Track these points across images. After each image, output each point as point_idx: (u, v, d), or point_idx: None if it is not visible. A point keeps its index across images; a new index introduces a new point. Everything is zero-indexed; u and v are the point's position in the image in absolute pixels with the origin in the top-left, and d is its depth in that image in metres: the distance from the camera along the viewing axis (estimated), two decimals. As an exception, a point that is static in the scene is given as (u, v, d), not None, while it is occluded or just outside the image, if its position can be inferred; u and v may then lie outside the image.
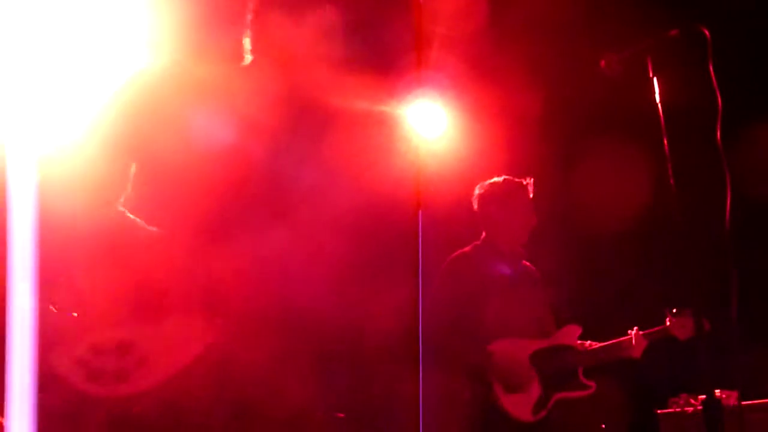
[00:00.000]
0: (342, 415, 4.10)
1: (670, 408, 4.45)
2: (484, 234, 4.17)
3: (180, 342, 2.70)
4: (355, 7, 4.04)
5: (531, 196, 4.15)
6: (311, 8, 3.86)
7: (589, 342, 4.06)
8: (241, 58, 3.25)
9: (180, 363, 2.69)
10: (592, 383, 3.96)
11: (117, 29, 3.38)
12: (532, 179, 4.16)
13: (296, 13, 3.76)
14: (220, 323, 2.74)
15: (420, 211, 4.46)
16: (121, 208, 2.90)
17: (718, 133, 2.85)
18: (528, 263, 4.21)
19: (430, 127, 4.72)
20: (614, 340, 4.01)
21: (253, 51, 3.44)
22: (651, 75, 3.02)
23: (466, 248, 4.14)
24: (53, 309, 2.61)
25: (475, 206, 4.20)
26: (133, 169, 3.05)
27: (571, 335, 4.02)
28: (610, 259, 5.22)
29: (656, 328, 3.93)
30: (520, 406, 3.83)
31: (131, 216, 2.90)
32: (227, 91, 3.44)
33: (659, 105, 2.96)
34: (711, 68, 2.89)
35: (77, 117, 3.33)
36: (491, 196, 4.17)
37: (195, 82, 3.32)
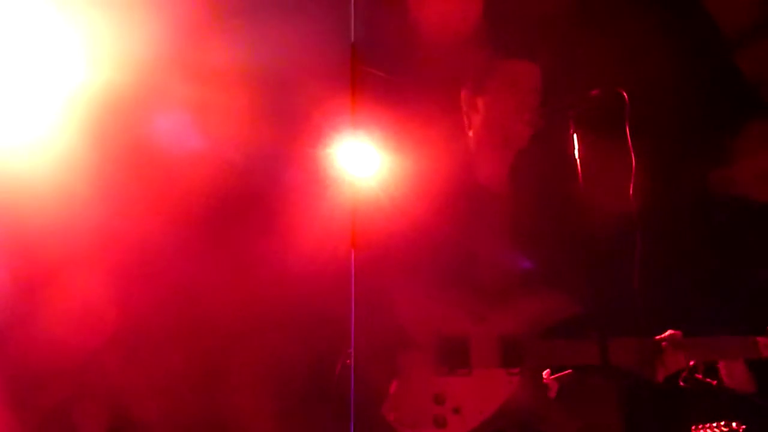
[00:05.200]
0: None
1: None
2: None
3: (486, 393, 3.18)
4: (286, 49, 4.11)
5: None
6: (242, 47, 3.93)
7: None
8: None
9: (488, 411, 3.18)
10: None
11: (92, 38, 3.45)
12: None
13: (229, 53, 3.83)
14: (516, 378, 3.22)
15: (353, 251, 4.49)
16: None
17: (631, 191, 2.98)
18: None
19: (363, 167, 4.78)
20: None
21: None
22: (572, 131, 3.13)
23: None
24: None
25: None
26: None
27: None
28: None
29: (566, 372, 4.00)
30: None
31: None
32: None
33: (578, 161, 3.07)
34: (627, 129, 3.02)
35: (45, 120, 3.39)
36: None
37: (164, 95, 3.42)
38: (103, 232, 3.94)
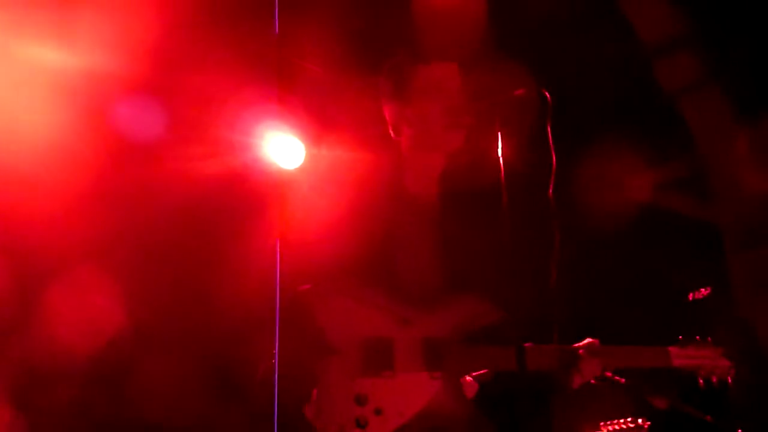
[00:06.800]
0: None
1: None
2: None
3: (408, 395, 3.21)
4: (214, 38, 4.10)
5: None
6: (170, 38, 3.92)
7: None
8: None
9: (409, 413, 3.20)
10: None
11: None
12: None
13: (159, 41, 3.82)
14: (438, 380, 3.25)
15: (278, 241, 4.49)
16: None
17: (551, 190, 3.06)
18: None
19: (289, 158, 4.79)
20: None
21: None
22: (497, 130, 3.19)
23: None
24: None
25: None
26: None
27: None
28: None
29: (483, 371, 4.06)
30: None
31: None
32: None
33: (501, 159, 3.13)
34: (549, 129, 3.10)
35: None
36: None
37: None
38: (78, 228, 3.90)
